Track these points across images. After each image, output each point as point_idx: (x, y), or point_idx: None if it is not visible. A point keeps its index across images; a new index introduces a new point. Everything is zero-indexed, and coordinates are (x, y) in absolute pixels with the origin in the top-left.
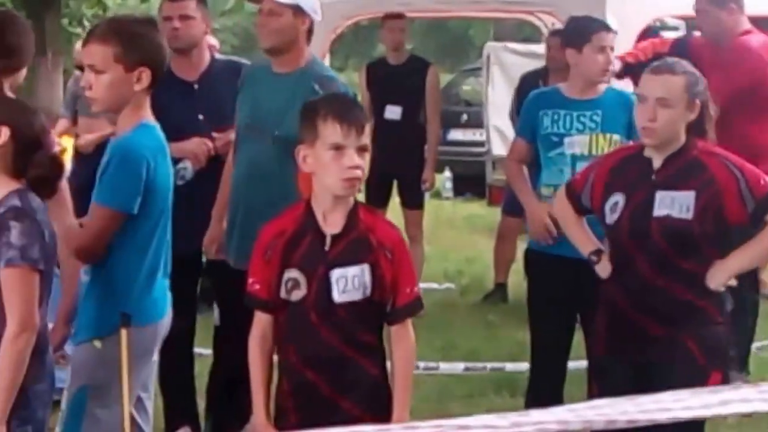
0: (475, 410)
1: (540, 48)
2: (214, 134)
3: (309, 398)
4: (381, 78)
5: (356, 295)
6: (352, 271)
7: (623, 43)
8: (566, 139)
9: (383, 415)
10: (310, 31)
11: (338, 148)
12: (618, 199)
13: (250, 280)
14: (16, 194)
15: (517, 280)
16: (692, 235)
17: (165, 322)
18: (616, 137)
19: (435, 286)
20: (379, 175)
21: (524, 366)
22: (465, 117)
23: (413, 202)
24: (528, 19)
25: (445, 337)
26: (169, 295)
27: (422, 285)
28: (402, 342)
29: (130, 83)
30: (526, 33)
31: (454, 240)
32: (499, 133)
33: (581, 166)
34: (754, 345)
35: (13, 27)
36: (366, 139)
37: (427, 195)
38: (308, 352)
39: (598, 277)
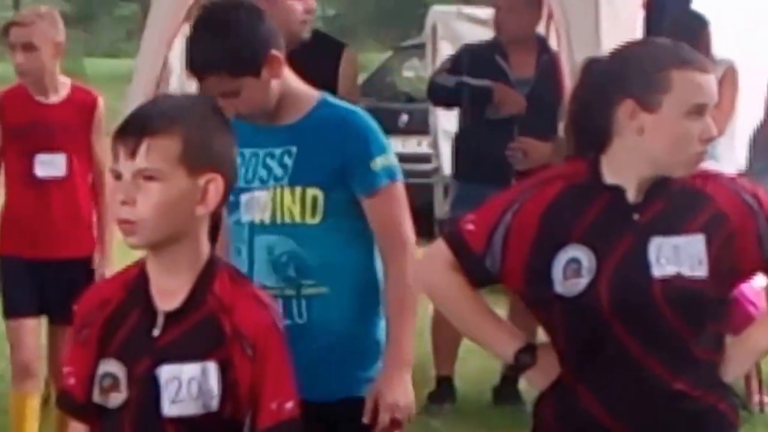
0: None
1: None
2: None
3: None
4: None
5: (193, 408)
6: (188, 370)
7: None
8: (243, 197)
9: None
10: None
11: (117, 177)
12: (577, 254)
13: (66, 370)
14: None
15: (474, 369)
16: (708, 301)
17: None
18: (313, 192)
19: None
20: None
21: None
22: (405, 118)
23: None
24: None
25: None
26: None
27: None
28: None
29: None
30: None
31: None
32: (451, 142)
33: (263, 244)
34: None
35: None
36: (146, 161)
37: None
38: None
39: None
